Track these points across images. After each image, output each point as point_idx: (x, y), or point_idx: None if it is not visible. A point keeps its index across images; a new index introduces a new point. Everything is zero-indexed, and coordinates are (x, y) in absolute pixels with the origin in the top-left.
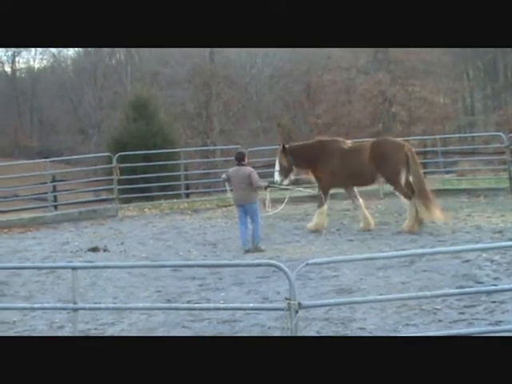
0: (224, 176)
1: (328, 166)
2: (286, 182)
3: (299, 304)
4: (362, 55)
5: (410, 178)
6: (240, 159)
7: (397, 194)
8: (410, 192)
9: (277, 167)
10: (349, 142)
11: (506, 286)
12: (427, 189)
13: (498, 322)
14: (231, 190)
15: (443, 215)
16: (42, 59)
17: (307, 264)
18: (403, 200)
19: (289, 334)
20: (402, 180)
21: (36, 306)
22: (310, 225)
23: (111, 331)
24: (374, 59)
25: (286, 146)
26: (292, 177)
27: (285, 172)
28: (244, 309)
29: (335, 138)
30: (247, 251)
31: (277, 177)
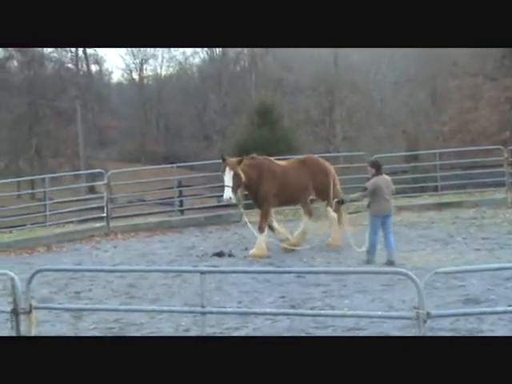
0: (369, 186)
1: (272, 186)
2: (235, 199)
3: (428, 313)
4: (489, 61)
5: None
6: (380, 167)
7: (328, 208)
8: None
9: (228, 182)
10: (278, 161)
11: None
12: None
13: None
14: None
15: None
16: (168, 66)
17: (436, 273)
18: (331, 214)
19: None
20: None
21: (165, 308)
22: (252, 252)
23: (236, 335)
24: (501, 65)
25: (234, 159)
26: (239, 193)
27: (236, 188)
28: (371, 317)
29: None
30: (371, 262)
31: (229, 193)
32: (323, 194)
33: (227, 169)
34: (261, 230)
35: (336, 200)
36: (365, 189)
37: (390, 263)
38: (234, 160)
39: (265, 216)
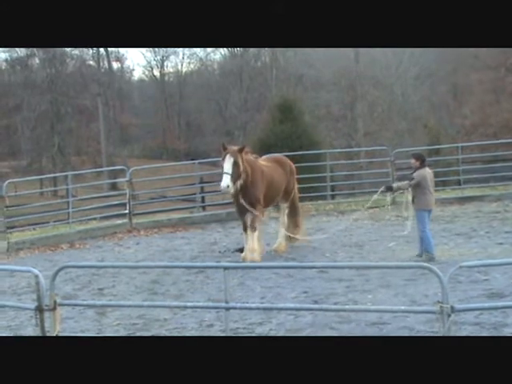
0: (416, 177)
1: (262, 186)
2: (232, 188)
3: (452, 308)
4: (511, 53)
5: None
6: (424, 160)
7: (292, 208)
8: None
9: (227, 170)
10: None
11: None
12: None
13: None
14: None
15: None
16: (189, 63)
17: (460, 267)
18: (284, 218)
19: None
20: None
21: (188, 304)
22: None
23: (260, 330)
24: None
25: (235, 147)
26: (238, 184)
27: (236, 177)
28: (394, 311)
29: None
30: (433, 259)
31: (227, 181)
32: (289, 195)
33: (227, 156)
34: (253, 228)
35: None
36: (412, 179)
37: (431, 258)
38: (235, 148)
39: (258, 215)
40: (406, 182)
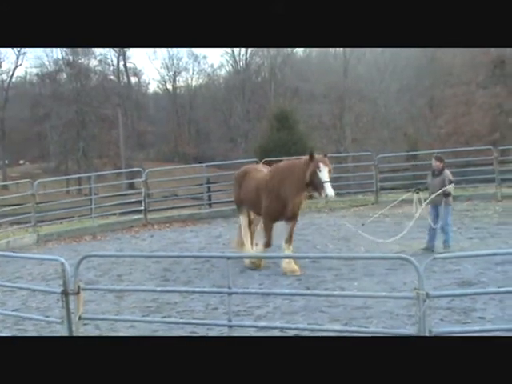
0: (453, 179)
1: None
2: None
3: (427, 294)
4: (481, 71)
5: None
6: (444, 162)
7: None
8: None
9: (328, 178)
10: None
11: None
12: None
13: None
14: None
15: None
16: (198, 78)
17: (434, 258)
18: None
19: (417, 321)
20: None
21: (196, 289)
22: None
23: (258, 313)
24: (493, 74)
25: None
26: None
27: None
28: (377, 297)
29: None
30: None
31: (332, 190)
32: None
33: (321, 165)
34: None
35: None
36: (451, 182)
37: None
38: (323, 157)
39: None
40: (452, 186)
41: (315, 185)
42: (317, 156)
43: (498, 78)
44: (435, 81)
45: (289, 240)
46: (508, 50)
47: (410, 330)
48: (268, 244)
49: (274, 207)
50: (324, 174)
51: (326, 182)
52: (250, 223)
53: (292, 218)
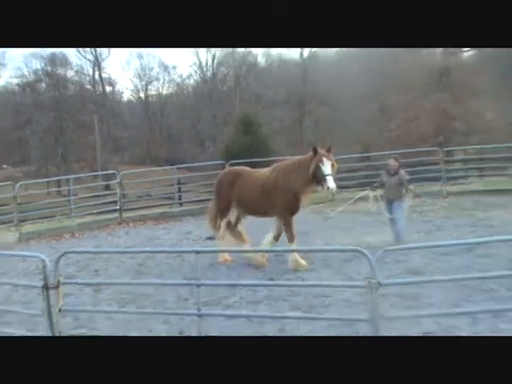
0: (406, 176)
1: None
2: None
3: (379, 283)
4: (428, 79)
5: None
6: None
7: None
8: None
9: (330, 171)
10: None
11: None
12: None
13: None
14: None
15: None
16: (168, 87)
17: (385, 250)
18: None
19: (370, 308)
20: None
21: (168, 282)
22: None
23: (225, 302)
24: (439, 82)
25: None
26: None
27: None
28: (334, 286)
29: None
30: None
31: (334, 183)
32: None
33: (325, 159)
34: (291, 240)
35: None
36: (408, 180)
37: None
38: (326, 151)
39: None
40: (412, 185)
41: (318, 178)
42: (320, 150)
43: (444, 85)
44: (386, 88)
45: (278, 237)
46: (453, 58)
47: (363, 316)
48: (293, 238)
49: (291, 201)
50: (327, 167)
51: (329, 175)
52: (229, 224)
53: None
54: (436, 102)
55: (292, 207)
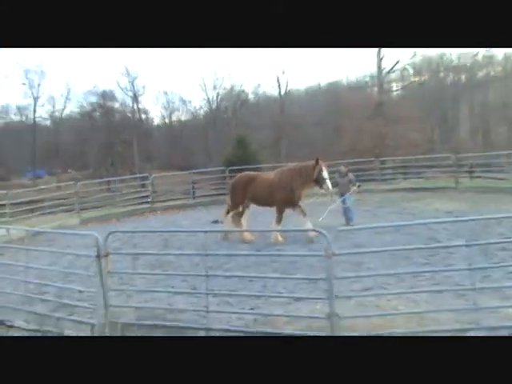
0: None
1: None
2: None
3: (333, 253)
4: (369, 107)
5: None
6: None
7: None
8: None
9: (327, 177)
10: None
11: (455, 243)
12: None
13: (448, 265)
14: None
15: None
16: (186, 115)
17: (338, 230)
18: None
19: (326, 271)
20: None
21: (185, 252)
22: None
23: (226, 267)
24: (376, 109)
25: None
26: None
27: None
28: (301, 255)
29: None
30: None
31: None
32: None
33: (323, 167)
34: (278, 222)
35: (357, 185)
36: (356, 180)
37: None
38: (324, 162)
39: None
40: (357, 184)
41: (319, 181)
42: (321, 162)
43: (379, 114)
44: (338, 114)
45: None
46: (385, 95)
47: (322, 276)
48: (280, 221)
49: (287, 197)
50: (325, 173)
51: (327, 178)
52: (242, 213)
53: (296, 205)
54: (374, 125)
55: (288, 201)
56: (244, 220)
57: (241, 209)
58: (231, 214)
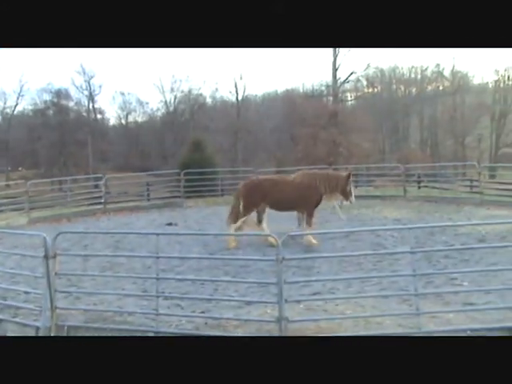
0: None
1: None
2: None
3: (283, 257)
4: (324, 117)
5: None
6: None
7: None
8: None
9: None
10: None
11: (400, 250)
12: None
13: (394, 271)
14: None
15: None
16: (142, 117)
17: (288, 235)
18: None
19: (277, 275)
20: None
21: (136, 254)
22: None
23: (177, 270)
24: (331, 119)
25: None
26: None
27: None
28: (255, 259)
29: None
30: None
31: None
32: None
33: (351, 182)
34: (310, 226)
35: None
36: None
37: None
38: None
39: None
40: None
41: (347, 193)
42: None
43: (333, 123)
44: (294, 122)
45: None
46: (340, 105)
47: (272, 280)
48: (311, 225)
49: (319, 200)
50: (352, 188)
51: (352, 192)
52: (260, 218)
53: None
54: (328, 134)
55: (317, 204)
56: (265, 224)
57: (252, 213)
58: (243, 219)
